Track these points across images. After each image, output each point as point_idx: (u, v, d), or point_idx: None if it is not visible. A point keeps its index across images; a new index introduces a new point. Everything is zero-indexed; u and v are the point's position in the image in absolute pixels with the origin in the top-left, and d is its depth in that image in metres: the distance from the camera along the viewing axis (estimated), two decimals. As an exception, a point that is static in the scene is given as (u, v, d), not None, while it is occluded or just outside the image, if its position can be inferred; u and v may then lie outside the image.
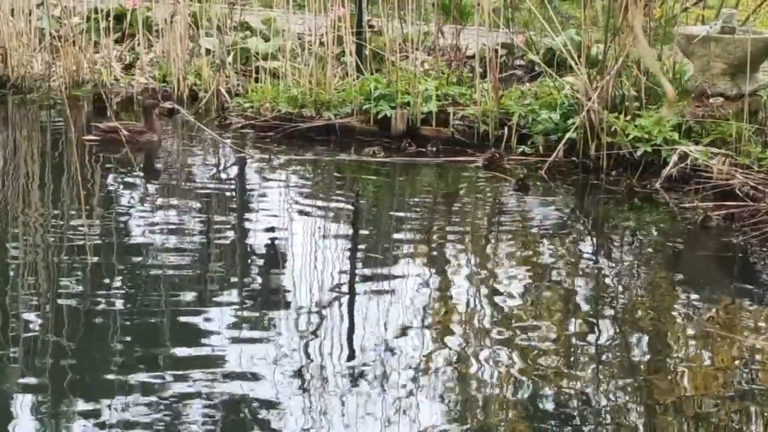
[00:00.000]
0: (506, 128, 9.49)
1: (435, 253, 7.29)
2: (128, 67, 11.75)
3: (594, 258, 7.36)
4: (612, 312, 6.36)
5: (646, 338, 6.00)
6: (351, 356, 5.57)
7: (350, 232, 7.85)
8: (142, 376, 5.24)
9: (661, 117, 8.83)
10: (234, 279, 6.70)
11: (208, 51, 11.34)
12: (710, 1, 11.40)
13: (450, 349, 5.69)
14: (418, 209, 8.41)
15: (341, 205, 8.47)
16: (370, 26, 11.38)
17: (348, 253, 7.32)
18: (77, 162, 8.72)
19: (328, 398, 5.09)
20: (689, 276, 6.99)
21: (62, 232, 7.37)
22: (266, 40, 11.62)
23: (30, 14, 11.58)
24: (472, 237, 7.66)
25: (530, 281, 6.74)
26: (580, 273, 6.98)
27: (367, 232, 7.96)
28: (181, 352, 5.57)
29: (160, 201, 8.30)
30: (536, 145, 9.30)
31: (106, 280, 6.47)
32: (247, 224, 7.84)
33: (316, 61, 10.35)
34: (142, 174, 9.01)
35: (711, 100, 8.93)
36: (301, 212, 8.15)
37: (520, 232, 7.74)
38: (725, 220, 7.79)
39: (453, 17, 11.58)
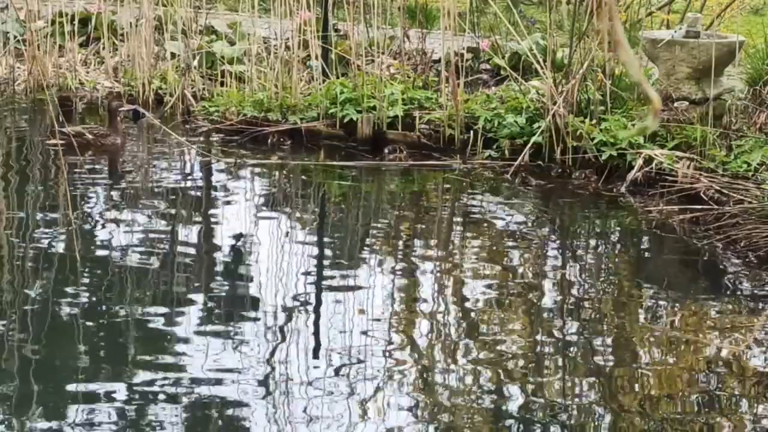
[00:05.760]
0: (472, 132, 9.50)
1: (401, 256, 7.28)
2: (99, 70, 11.70)
3: (559, 262, 7.37)
4: (576, 315, 6.36)
5: (609, 341, 6.01)
6: (316, 360, 5.55)
7: (316, 236, 7.83)
8: (106, 381, 5.22)
9: (646, 127, 8.83)
10: (199, 284, 6.66)
11: (173, 55, 11.29)
12: (675, 5, 11.46)
13: (416, 353, 5.69)
14: (384, 213, 8.40)
15: (308, 209, 8.46)
16: (336, 30, 11.37)
17: (314, 258, 7.30)
18: (41, 166, 8.66)
19: (294, 402, 5.08)
20: (654, 279, 7.01)
21: (24, 235, 7.32)
22: (232, 44, 11.60)
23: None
24: (439, 240, 7.66)
25: (495, 285, 6.73)
26: (545, 277, 6.99)
27: (333, 237, 7.94)
28: (145, 356, 5.55)
29: (124, 205, 8.25)
30: (502, 149, 9.31)
31: (69, 285, 6.43)
32: (213, 229, 7.81)
33: (282, 65, 10.33)
34: (106, 178, 8.96)
35: (676, 104, 8.97)
36: (266, 216, 8.14)
37: (485, 236, 7.74)
38: (690, 224, 7.83)
39: (419, 21, 11.58)
